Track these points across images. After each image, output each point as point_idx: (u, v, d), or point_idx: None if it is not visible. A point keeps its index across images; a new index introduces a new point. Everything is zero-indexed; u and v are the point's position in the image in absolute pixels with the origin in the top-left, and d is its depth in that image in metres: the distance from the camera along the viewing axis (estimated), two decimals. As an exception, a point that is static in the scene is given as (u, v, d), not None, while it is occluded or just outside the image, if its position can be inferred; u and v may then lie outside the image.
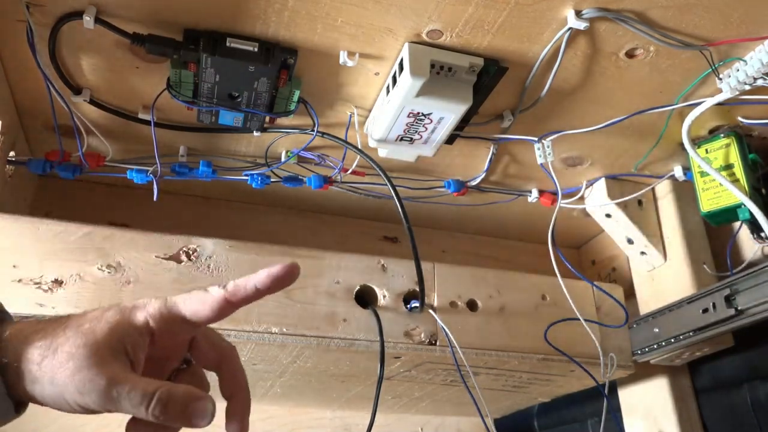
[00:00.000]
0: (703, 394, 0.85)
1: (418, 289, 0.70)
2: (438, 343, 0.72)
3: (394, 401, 1.00)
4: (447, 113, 0.66)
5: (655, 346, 0.79)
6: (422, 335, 0.72)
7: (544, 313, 0.79)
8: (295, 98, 0.67)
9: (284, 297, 0.69)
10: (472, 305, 0.76)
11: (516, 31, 0.60)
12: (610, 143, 0.80)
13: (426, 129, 0.69)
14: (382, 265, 0.75)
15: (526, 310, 0.78)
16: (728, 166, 0.74)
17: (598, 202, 0.86)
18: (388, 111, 0.67)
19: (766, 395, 0.74)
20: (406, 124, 0.68)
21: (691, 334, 0.74)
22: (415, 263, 0.68)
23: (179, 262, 0.67)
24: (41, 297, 0.62)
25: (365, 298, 0.73)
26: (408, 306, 0.73)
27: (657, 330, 0.79)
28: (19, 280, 0.62)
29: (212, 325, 0.65)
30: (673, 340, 0.77)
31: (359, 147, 0.71)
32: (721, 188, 0.74)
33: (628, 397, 0.91)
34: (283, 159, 0.79)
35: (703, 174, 0.76)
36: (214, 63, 0.60)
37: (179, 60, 0.60)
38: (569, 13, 0.58)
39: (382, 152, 0.74)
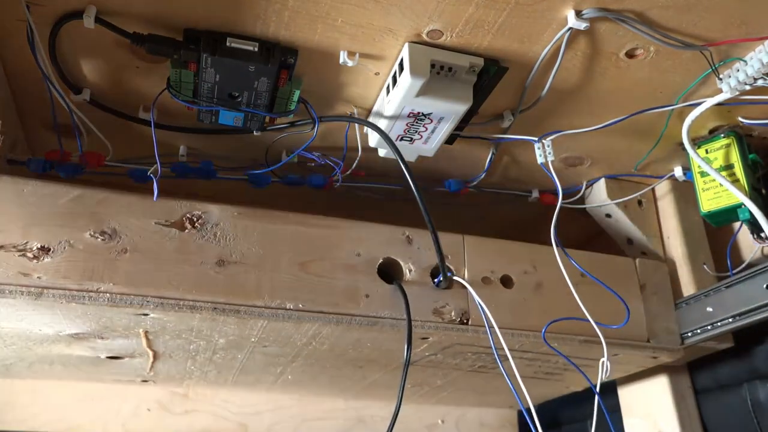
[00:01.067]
0: (703, 394, 0.85)
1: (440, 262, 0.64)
2: (470, 323, 0.67)
3: (414, 390, 0.94)
4: (447, 113, 0.66)
5: (709, 327, 0.74)
6: (452, 313, 0.66)
7: (584, 291, 0.70)
8: (295, 98, 0.67)
9: (299, 270, 0.63)
10: (506, 281, 0.70)
11: (516, 31, 0.60)
12: (610, 143, 0.80)
13: (426, 129, 0.69)
14: (407, 237, 0.69)
15: (565, 288, 0.70)
16: (728, 166, 0.74)
17: (598, 202, 0.86)
18: (388, 111, 0.67)
19: (766, 395, 0.74)
20: (407, 124, 0.68)
21: (752, 312, 0.68)
22: (430, 229, 0.60)
23: (182, 229, 0.62)
24: (26, 266, 0.56)
25: (389, 272, 0.68)
26: (436, 281, 0.68)
27: (710, 309, 0.74)
28: (1, 247, 0.56)
29: (219, 300, 0.60)
30: (731, 320, 0.71)
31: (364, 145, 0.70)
32: (721, 188, 0.74)
33: (628, 397, 0.92)
34: (283, 159, 0.79)
35: (703, 174, 0.76)
36: (214, 63, 0.60)
37: (179, 60, 0.60)
38: (569, 13, 0.58)
39: (382, 152, 0.74)
